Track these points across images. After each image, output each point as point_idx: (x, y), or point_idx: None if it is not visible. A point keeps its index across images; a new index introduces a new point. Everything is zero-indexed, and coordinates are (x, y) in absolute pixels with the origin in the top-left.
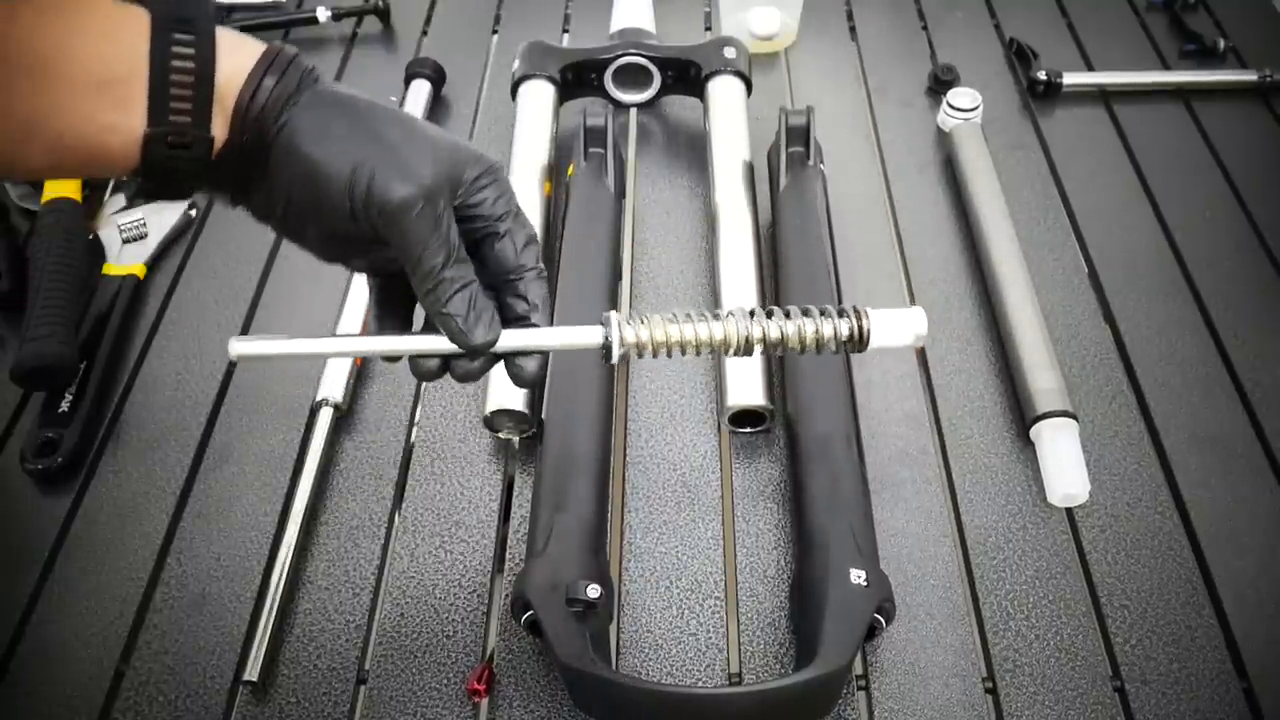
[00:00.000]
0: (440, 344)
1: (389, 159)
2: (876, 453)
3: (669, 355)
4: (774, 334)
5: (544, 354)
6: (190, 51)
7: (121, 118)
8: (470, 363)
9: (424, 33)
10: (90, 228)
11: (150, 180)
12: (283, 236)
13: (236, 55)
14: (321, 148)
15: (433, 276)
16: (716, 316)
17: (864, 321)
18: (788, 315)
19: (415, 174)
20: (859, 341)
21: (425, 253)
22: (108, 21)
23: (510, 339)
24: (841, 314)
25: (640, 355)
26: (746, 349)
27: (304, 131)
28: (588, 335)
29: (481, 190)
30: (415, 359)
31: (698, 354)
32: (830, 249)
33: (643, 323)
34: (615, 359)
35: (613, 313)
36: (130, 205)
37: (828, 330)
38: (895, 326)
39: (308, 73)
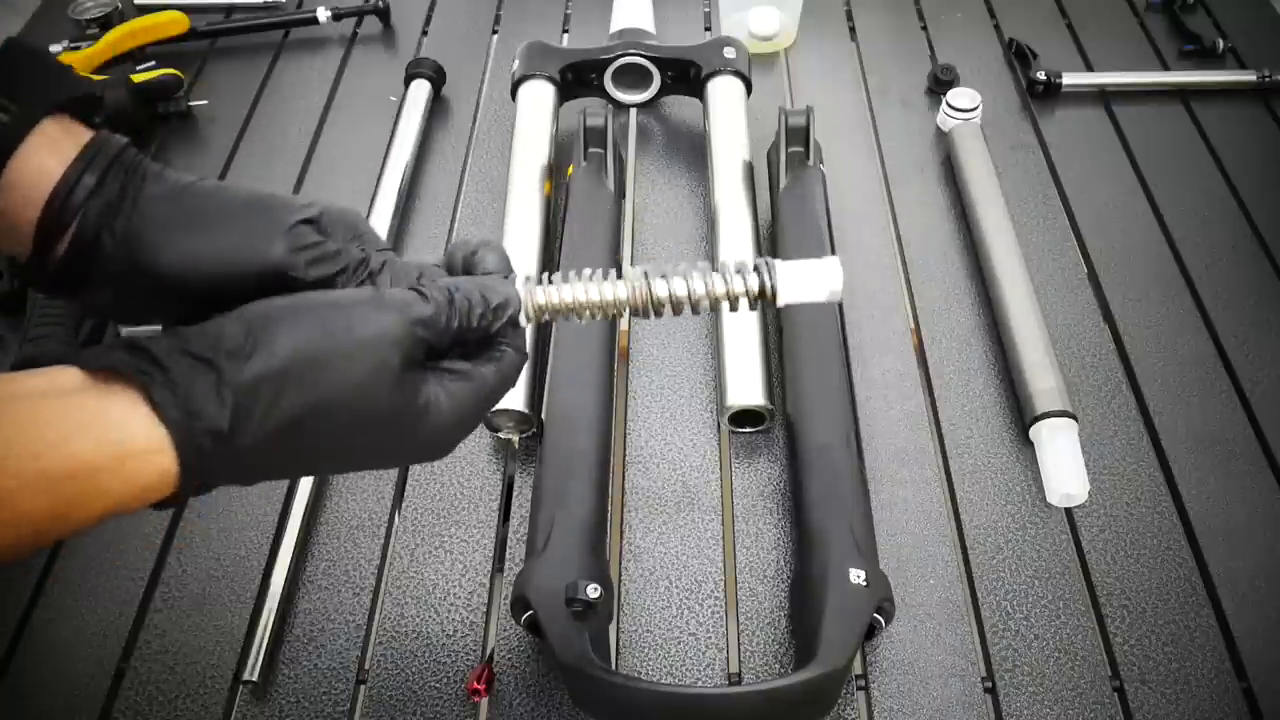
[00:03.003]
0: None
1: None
2: (876, 453)
3: (580, 318)
4: (679, 291)
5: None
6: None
7: None
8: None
9: (424, 33)
10: None
11: None
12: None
13: (47, 154)
14: (205, 240)
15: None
16: (622, 276)
17: (769, 277)
18: (689, 273)
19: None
20: (768, 297)
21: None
22: None
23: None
24: (755, 269)
25: (554, 318)
26: (650, 310)
27: (166, 239)
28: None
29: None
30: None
31: (606, 317)
32: (830, 249)
33: (548, 283)
34: (524, 324)
35: (520, 274)
36: None
37: (737, 286)
38: (806, 280)
39: (133, 171)
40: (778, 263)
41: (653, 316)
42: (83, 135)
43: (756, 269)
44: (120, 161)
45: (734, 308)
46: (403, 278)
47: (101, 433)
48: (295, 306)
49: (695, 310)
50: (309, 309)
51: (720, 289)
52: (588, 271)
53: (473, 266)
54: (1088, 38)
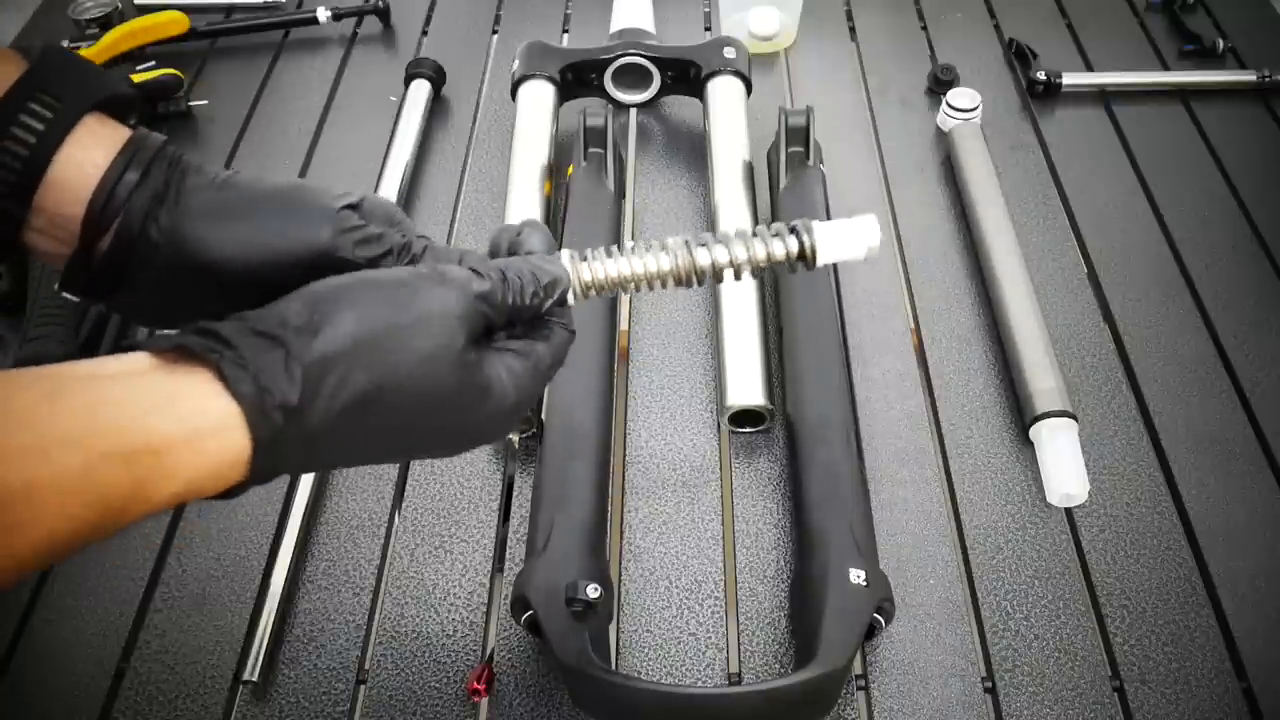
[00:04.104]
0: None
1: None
2: (876, 453)
3: (625, 291)
4: (721, 258)
5: None
6: (37, 126)
7: None
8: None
9: (424, 33)
10: None
11: None
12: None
13: (90, 149)
14: (257, 220)
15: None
16: (664, 247)
17: (809, 237)
18: (729, 239)
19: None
20: (808, 258)
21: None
22: None
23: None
24: (792, 231)
25: (600, 294)
26: (694, 278)
27: (207, 231)
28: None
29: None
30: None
31: (650, 289)
32: None
33: (595, 259)
34: (572, 300)
35: (565, 251)
36: None
37: (777, 249)
38: (844, 239)
39: (174, 165)
40: (815, 224)
41: (695, 284)
42: (123, 133)
43: (794, 231)
44: (161, 156)
45: (774, 271)
46: (444, 261)
47: (177, 409)
48: (358, 283)
49: (737, 276)
50: (372, 285)
51: (761, 253)
52: (629, 245)
53: (517, 247)
54: (1088, 38)
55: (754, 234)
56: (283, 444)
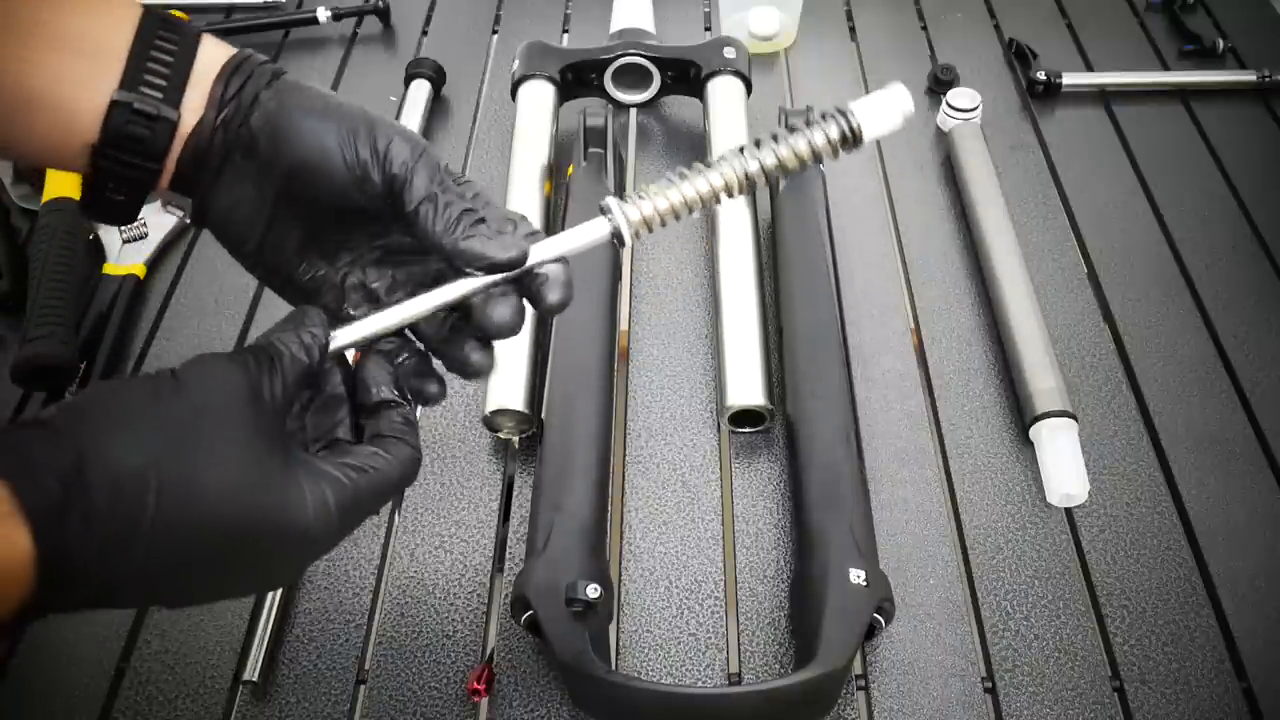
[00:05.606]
0: (468, 285)
1: (378, 122)
2: (876, 452)
3: (678, 219)
4: (770, 161)
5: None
6: (174, 37)
7: (94, 80)
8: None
9: (424, 33)
10: (90, 228)
11: (106, 161)
12: (258, 254)
13: (215, 50)
14: (316, 119)
15: (451, 205)
16: (709, 165)
17: (851, 118)
18: (775, 138)
19: (403, 128)
20: (853, 138)
21: (438, 186)
22: (104, 3)
23: (534, 253)
24: (826, 117)
25: (651, 230)
26: (750, 186)
27: (294, 108)
28: (596, 229)
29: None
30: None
31: (706, 208)
32: (830, 249)
33: (643, 198)
34: (629, 242)
35: (611, 198)
36: None
37: (819, 138)
38: (882, 112)
39: (279, 70)
40: (852, 103)
41: (748, 192)
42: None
43: (834, 116)
44: (267, 64)
45: (820, 160)
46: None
47: None
48: (120, 387)
49: (786, 173)
50: (142, 388)
51: (805, 148)
52: (670, 175)
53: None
54: (1088, 38)
55: (793, 130)
56: (68, 518)
